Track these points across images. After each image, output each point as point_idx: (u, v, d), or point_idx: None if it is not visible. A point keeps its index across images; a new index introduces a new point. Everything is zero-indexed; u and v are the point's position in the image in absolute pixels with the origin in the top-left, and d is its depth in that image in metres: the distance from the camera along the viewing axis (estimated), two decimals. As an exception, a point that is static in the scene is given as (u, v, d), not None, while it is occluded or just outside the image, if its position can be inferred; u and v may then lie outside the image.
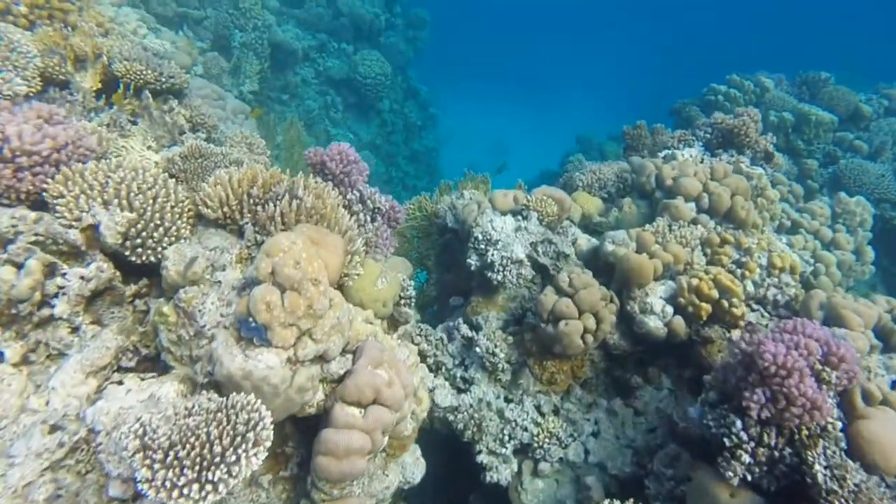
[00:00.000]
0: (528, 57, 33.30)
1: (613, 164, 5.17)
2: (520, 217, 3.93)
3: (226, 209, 2.84)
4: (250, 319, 2.18)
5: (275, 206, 2.79)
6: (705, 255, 3.79)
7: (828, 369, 2.46)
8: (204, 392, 2.25)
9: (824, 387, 2.43)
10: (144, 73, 3.81)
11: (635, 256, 3.48)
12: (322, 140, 10.10)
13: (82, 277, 2.45)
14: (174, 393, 2.29)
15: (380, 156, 11.44)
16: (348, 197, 3.30)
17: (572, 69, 32.84)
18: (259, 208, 2.86)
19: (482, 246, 3.80)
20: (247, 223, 2.86)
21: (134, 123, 3.83)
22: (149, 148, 3.69)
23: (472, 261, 3.84)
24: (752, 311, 3.59)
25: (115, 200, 2.62)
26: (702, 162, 4.55)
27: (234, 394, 2.08)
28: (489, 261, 3.73)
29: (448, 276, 5.12)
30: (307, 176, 3.11)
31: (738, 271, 3.68)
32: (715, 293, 3.33)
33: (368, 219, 3.34)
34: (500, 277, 3.70)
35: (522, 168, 19.04)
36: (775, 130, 7.21)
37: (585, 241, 4.03)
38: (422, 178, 12.33)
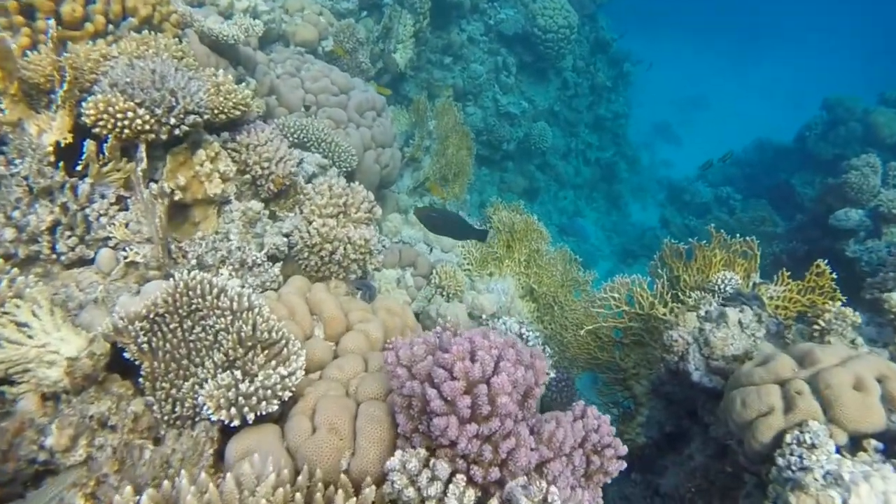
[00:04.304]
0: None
1: None
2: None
3: None
4: None
5: None
6: None
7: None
8: None
9: None
10: (132, 115, 1.86)
11: None
12: (490, 112, 7.78)
13: None
14: None
15: (558, 124, 8.81)
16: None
17: (788, 13, 24.41)
18: None
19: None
20: None
21: (124, 209, 1.94)
22: (128, 263, 1.80)
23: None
24: None
25: None
26: None
27: None
28: None
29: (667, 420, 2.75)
30: None
31: None
32: None
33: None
34: None
35: (727, 132, 14.58)
36: None
37: None
38: (607, 149, 9.47)
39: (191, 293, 1.52)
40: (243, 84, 3.14)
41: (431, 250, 3.65)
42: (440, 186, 5.39)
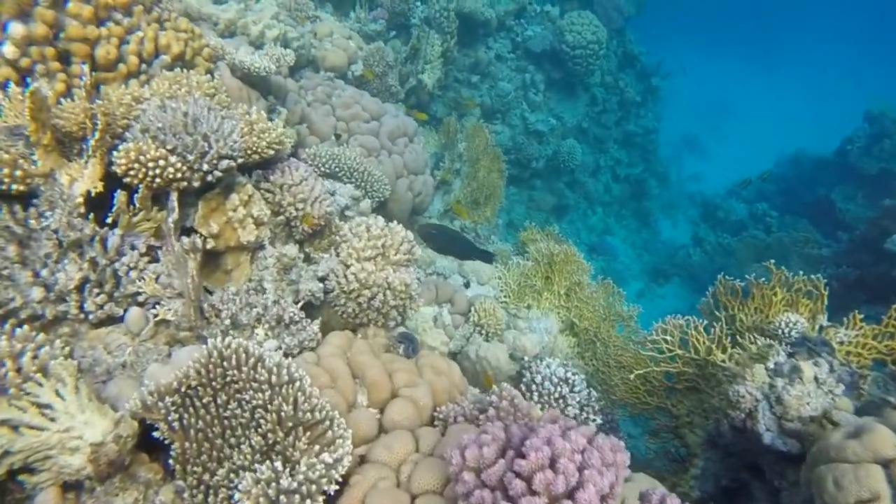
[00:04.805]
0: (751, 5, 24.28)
1: None
2: None
3: None
4: None
5: None
6: None
7: None
8: None
9: None
10: (164, 163, 1.74)
11: None
12: (519, 130, 7.63)
13: None
14: None
15: (587, 141, 8.59)
16: None
17: (821, 15, 23.41)
18: None
19: None
20: None
21: (155, 259, 1.83)
22: (159, 322, 1.67)
23: None
24: None
25: None
26: None
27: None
28: None
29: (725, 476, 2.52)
30: None
31: None
32: None
33: None
34: None
35: (756, 144, 14.08)
36: None
37: None
38: (636, 165, 9.21)
39: (225, 364, 1.38)
40: (276, 120, 3.04)
41: (468, 284, 3.48)
42: (471, 210, 5.25)
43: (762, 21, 23.53)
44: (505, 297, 3.47)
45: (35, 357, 1.35)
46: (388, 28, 6.17)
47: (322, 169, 3.25)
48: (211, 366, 1.38)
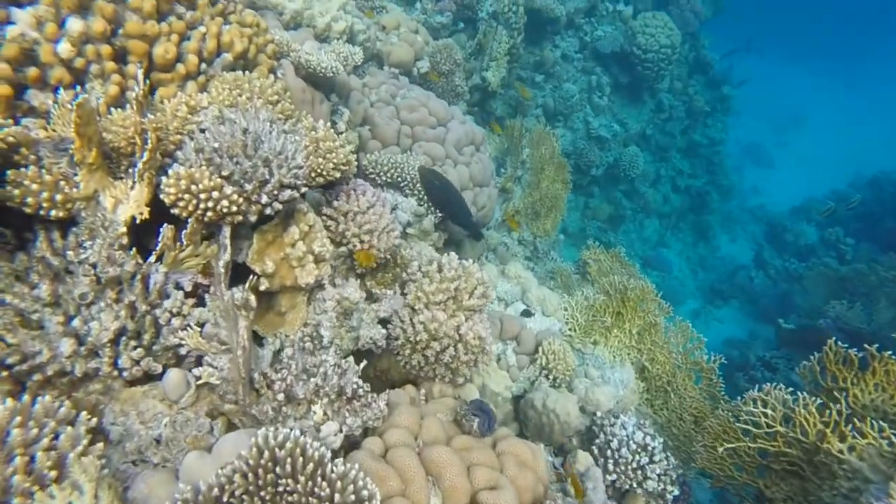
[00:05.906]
0: (838, 16, 22.39)
1: None
2: None
3: None
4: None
5: None
6: None
7: None
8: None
9: None
10: (217, 195, 1.45)
11: None
12: (580, 134, 7.16)
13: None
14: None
15: (649, 148, 8.02)
16: None
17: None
18: None
19: None
20: None
21: (200, 300, 1.55)
22: (201, 386, 1.40)
23: None
24: None
25: None
26: None
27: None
28: None
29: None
30: None
31: None
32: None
33: None
34: None
35: (826, 161, 12.96)
36: None
37: None
38: (699, 177, 8.58)
39: (278, 469, 1.09)
40: (339, 123, 2.74)
41: (530, 312, 3.13)
42: (531, 222, 4.87)
43: (849, 37, 21.76)
44: (570, 330, 3.11)
45: (55, 440, 1.09)
46: (454, 21, 5.79)
47: (383, 178, 2.97)
48: (260, 470, 1.09)
